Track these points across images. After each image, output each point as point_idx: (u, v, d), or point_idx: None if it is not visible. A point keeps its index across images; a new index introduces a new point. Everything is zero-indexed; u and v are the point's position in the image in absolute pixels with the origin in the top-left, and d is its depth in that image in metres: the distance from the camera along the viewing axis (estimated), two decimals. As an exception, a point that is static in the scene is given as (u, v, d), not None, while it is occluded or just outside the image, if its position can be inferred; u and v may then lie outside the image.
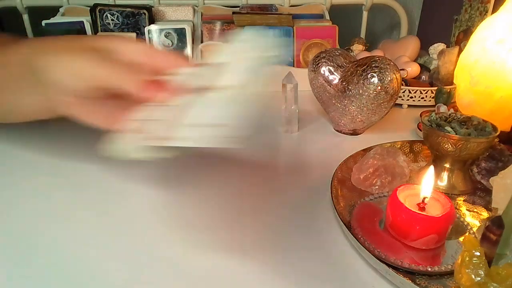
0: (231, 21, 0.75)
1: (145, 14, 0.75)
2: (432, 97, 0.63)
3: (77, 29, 0.73)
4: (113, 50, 0.32)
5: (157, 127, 0.28)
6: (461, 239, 0.31)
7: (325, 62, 0.51)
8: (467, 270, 0.23)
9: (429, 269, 0.28)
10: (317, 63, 0.51)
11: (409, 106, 0.64)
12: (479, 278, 0.23)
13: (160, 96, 0.29)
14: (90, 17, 0.74)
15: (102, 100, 0.32)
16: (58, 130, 0.52)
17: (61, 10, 0.78)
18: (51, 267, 0.29)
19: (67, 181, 0.40)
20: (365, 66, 0.47)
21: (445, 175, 0.39)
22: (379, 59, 0.47)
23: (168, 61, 0.32)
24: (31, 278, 0.28)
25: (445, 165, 0.39)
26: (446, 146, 0.37)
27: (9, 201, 0.37)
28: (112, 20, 0.75)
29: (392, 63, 0.47)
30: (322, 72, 0.51)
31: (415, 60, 0.74)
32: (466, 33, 0.70)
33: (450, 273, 0.28)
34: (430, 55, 0.72)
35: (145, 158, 0.29)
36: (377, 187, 0.38)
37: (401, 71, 0.64)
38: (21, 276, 0.28)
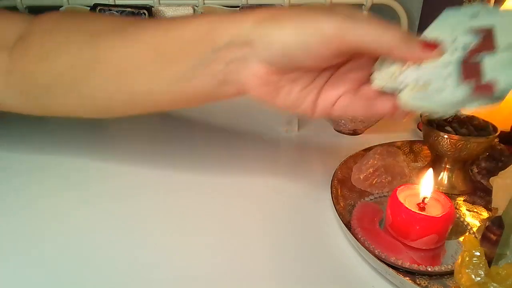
0: (231, 21, 0.75)
1: (145, 14, 0.75)
2: (432, 97, 0.62)
3: (77, 29, 0.73)
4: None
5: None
6: (461, 239, 0.31)
7: (325, 62, 0.51)
8: (467, 270, 0.23)
9: (429, 269, 0.28)
10: (317, 63, 0.51)
11: (409, 106, 0.64)
12: (479, 278, 0.23)
13: (432, 54, 0.25)
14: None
15: (298, 78, 0.28)
16: (58, 130, 0.52)
17: (61, 10, 0.78)
18: (52, 267, 0.29)
19: (68, 181, 0.40)
20: (365, 66, 0.47)
21: (445, 175, 0.39)
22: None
23: None
24: (32, 277, 0.28)
25: (445, 165, 0.39)
26: (446, 146, 0.37)
27: (10, 201, 0.37)
28: (112, 20, 0.75)
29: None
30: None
31: (415, 60, 0.74)
32: (466, 33, 0.70)
33: (450, 273, 0.28)
34: (430, 55, 0.72)
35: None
36: (377, 187, 0.38)
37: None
38: (22, 275, 0.28)
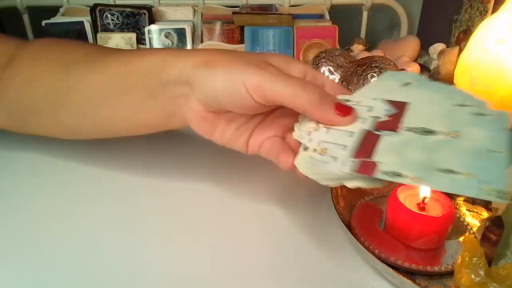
0: (231, 21, 0.75)
1: (145, 14, 0.75)
2: (432, 97, 0.63)
3: (77, 29, 0.73)
4: (284, 68, 0.29)
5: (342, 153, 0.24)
6: (461, 239, 0.31)
7: (325, 62, 0.51)
8: (467, 270, 0.23)
9: (429, 269, 0.28)
10: (317, 63, 0.51)
11: (409, 106, 0.64)
12: (479, 278, 0.23)
13: (343, 120, 0.26)
14: (90, 17, 0.74)
15: (233, 119, 0.30)
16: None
17: (61, 10, 0.78)
18: (51, 267, 0.29)
19: (68, 180, 0.40)
20: (365, 66, 0.47)
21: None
22: (379, 59, 0.47)
23: (332, 86, 0.30)
24: (31, 277, 0.28)
25: (445, 165, 0.39)
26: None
27: (9, 200, 0.37)
28: (112, 20, 0.75)
29: (392, 63, 0.47)
30: (322, 72, 0.51)
31: (415, 60, 0.74)
32: (466, 33, 0.70)
33: (450, 273, 0.28)
34: (430, 55, 0.72)
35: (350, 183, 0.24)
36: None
37: (401, 71, 0.64)
38: (21, 275, 0.28)
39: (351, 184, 0.24)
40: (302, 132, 0.28)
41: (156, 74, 0.31)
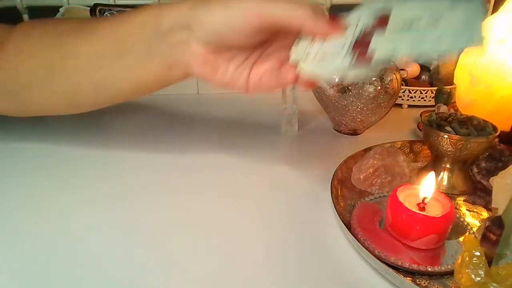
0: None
1: (145, 14, 0.75)
2: (432, 97, 0.63)
3: (77, 29, 0.73)
4: None
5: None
6: (461, 239, 0.31)
7: (325, 62, 0.51)
8: (467, 270, 0.23)
9: (429, 269, 0.28)
10: (317, 63, 0.51)
11: (409, 106, 0.64)
12: (479, 278, 0.23)
13: (336, 29, 0.28)
14: (90, 17, 0.74)
15: (233, 57, 0.32)
16: (58, 128, 0.52)
17: (61, 10, 0.78)
18: (51, 267, 0.29)
19: (68, 180, 0.40)
20: (365, 66, 0.47)
21: (445, 175, 0.39)
22: (379, 59, 0.47)
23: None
24: (32, 277, 0.28)
25: (445, 165, 0.39)
26: (446, 146, 0.37)
27: (9, 200, 0.37)
28: (112, 20, 0.75)
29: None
30: (322, 72, 0.51)
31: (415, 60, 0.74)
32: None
33: (450, 273, 0.28)
34: (430, 55, 0.72)
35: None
36: (377, 187, 0.38)
37: (401, 71, 0.64)
38: (21, 275, 0.28)
39: (352, 74, 0.28)
40: (299, 51, 0.30)
41: (152, 25, 0.31)
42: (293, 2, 0.28)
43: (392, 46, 0.26)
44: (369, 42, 0.27)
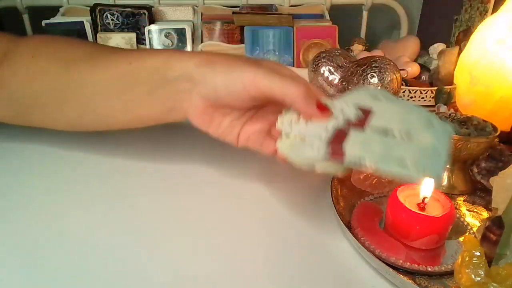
0: (231, 21, 0.75)
1: (145, 14, 0.75)
2: (432, 97, 0.63)
3: (77, 29, 0.73)
4: (276, 69, 0.32)
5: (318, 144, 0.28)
6: (461, 239, 0.31)
7: (325, 62, 0.51)
8: (467, 270, 0.23)
9: (429, 269, 0.28)
10: (317, 63, 0.51)
11: (409, 106, 0.64)
12: (479, 278, 0.23)
13: (321, 116, 0.30)
14: (90, 17, 0.74)
15: (228, 113, 0.34)
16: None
17: (61, 10, 0.78)
18: (51, 267, 0.29)
19: (68, 179, 0.40)
20: (365, 66, 0.47)
21: (445, 175, 0.39)
22: (379, 59, 0.47)
23: (314, 89, 0.33)
24: (31, 277, 0.28)
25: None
26: (446, 146, 0.37)
27: (8, 200, 0.37)
28: (112, 20, 0.75)
29: (392, 63, 0.47)
30: (322, 72, 0.51)
31: (415, 60, 0.74)
32: (466, 33, 0.70)
33: (450, 273, 0.28)
34: (430, 55, 0.72)
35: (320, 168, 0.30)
36: (377, 187, 0.38)
37: (401, 71, 0.64)
38: (21, 275, 0.28)
39: (321, 167, 0.29)
40: (285, 122, 0.32)
41: (161, 71, 0.34)
42: (290, 76, 0.31)
43: (359, 154, 0.26)
44: (344, 137, 0.28)
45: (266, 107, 0.35)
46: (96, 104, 0.36)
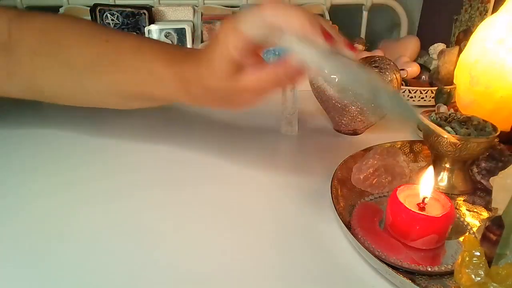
0: (231, 21, 0.75)
1: (145, 14, 0.75)
2: (432, 97, 0.63)
3: (77, 29, 0.73)
4: None
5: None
6: (461, 239, 0.31)
7: (325, 62, 0.51)
8: (467, 270, 0.23)
9: (429, 269, 0.28)
10: (317, 63, 0.51)
11: (409, 106, 0.64)
12: (479, 278, 0.23)
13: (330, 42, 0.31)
14: (90, 17, 0.74)
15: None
16: (56, 127, 0.52)
17: (61, 10, 0.78)
18: (51, 267, 0.29)
19: (69, 179, 0.40)
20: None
21: (445, 175, 0.39)
22: (379, 59, 0.47)
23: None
24: (31, 277, 0.28)
25: (445, 165, 0.39)
26: (446, 146, 0.37)
27: (8, 200, 0.37)
28: (112, 20, 0.75)
29: (392, 63, 0.47)
30: (322, 72, 0.51)
31: (415, 60, 0.74)
32: (466, 33, 0.70)
33: (450, 273, 0.28)
34: (430, 55, 0.72)
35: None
36: (377, 187, 0.38)
37: (401, 71, 0.64)
38: (21, 275, 0.28)
39: (330, 65, 0.31)
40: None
41: (148, 89, 0.38)
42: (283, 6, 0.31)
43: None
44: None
45: None
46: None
